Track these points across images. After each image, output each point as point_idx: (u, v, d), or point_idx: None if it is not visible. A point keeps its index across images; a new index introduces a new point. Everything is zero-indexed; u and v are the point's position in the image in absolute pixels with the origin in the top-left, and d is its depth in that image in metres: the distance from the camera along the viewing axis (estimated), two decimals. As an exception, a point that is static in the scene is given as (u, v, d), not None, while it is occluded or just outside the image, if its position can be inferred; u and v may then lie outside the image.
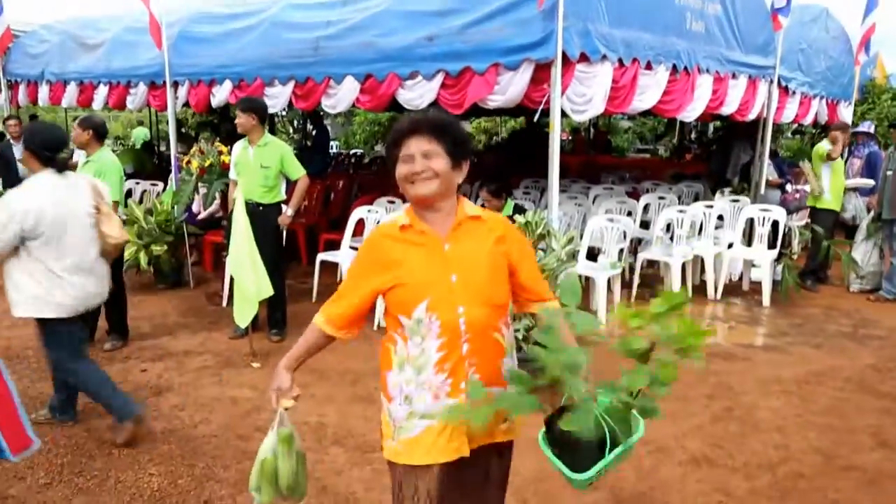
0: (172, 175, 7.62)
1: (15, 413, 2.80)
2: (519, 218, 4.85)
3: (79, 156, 7.89)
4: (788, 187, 8.32)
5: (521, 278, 2.17)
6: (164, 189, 8.73)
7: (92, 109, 8.33)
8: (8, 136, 8.52)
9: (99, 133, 5.26)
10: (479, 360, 2.08)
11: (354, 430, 4.11)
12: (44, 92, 8.59)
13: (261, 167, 5.42)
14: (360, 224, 6.93)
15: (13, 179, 8.07)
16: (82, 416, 4.29)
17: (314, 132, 13.11)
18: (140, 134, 15.71)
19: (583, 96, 5.21)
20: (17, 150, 8.15)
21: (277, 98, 6.42)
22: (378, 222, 6.63)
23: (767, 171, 8.27)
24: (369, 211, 6.99)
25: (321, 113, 12.32)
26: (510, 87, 5.16)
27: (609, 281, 6.33)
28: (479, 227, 2.12)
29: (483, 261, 2.08)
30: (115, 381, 4.14)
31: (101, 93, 7.97)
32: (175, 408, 4.42)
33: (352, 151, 19.49)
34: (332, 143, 15.44)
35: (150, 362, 5.24)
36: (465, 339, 2.05)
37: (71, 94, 8.27)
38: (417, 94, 5.55)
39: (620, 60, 5.45)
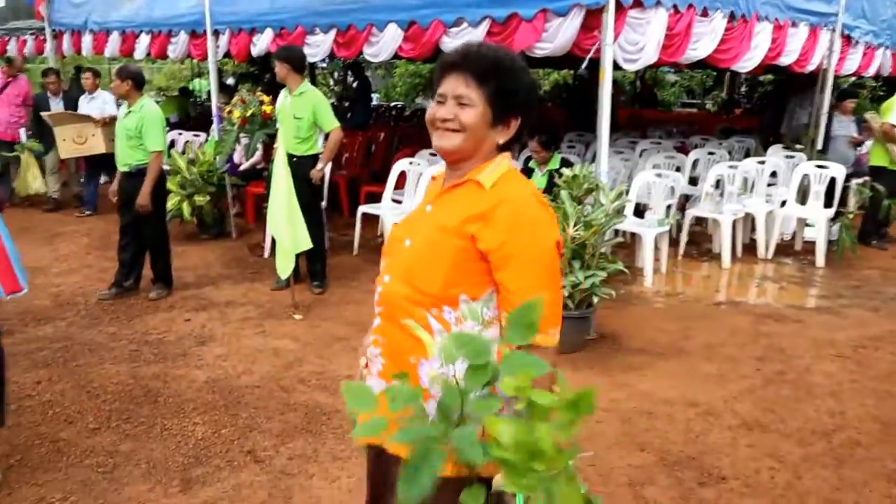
0: (214, 125, 7.58)
1: (7, 260, 3.28)
2: (566, 171, 4.69)
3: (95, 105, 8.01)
4: (865, 146, 7.92)
5: (498, 276, 1.63)
6: (205, 140, 8.71)
7: (134, 59, 8.30)
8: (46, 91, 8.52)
9: (137, 82, 5.22)
10: (386, 344, 1.74)
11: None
12: (87, 41, 8.57)
13: (294, 118, 5.33)
14: (402, 176, 6.83)
15: (47, 135, 8.19)
16: (129, 364, 4.33)
17: (355, 83, 12.97)
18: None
19: (635, 44, 4.98)
20: (55, 104, 8.33)
21: (318, 47, 6.28)
22: (420, 175, 6.52)
23: (849, 129, 7.89)
24: (411, 163, 6.88)
25: (362, 64, 12.19)
26: (559, 35, 4.95)
27: (656, 239, 6.16)
28: (474, 195, 1.66)
29: (434, 233, 1.68)
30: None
31: (143, 42, 7.92)
32: (219, 358, 4.44)
33: (392, 104, 19.28)
34: (372, 95, 15.24)
35: (194, 312, 5.26)
36: (378, 314, 1.77)
37: (113, 44, 8.24)
38: (462, 42, 5.37)
39: (675, 6, 5.18)
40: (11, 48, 9.70)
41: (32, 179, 8.45)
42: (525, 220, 1.61)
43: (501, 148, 1.70)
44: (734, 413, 3.82)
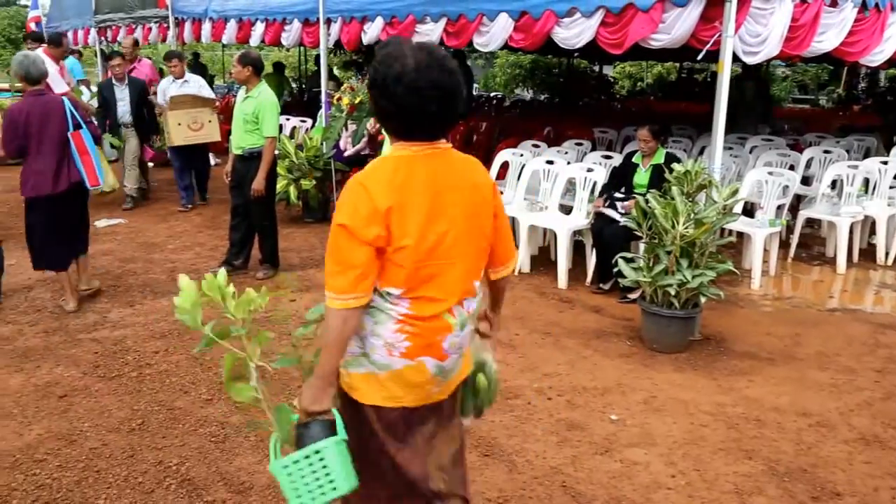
0: (322, 111, 7.77)
1: (92, 163, 4.93)
2: (678, 167, 4.56)
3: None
4: None
5: None
6: (312, 125, 8.94)
7: (249, 46, 8.60)
8: (111, 76, 7.97)
9: (257, 68, 5.41)
10: None
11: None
12: (206, 29, 8.97)
13: None
14: (504, 167, 6.81)
15: (113, 120, 7.90)
16: (238, 339, 4.50)
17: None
18: None
19: (757, 36, 4.76)
20: (119, 91, 7.87)
21: (429, 35, 6.33)
22: (523, 166, 6.49)
23: None
24: (513, 154, 6.85)
25: (463, 53, 12.20)
26: (676, 26, 4.80)
27: (766, 240, 5.91)
28: None
29: None
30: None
31: (258, 30, 8.20)
32: (322, 338, 4.56)
33: (492, 94, 19.26)
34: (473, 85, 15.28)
35: (298, 293, 5.43)
36: None
37: (231, 31, 8.58)
38: (575, 33, 5.29)
39: (802, -4, 4.94)
40: (138, 35, 10.23)
41: (106, 174, 7.68)
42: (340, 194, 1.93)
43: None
44: (850, 426, 3.63)
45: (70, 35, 11.79)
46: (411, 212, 1.83)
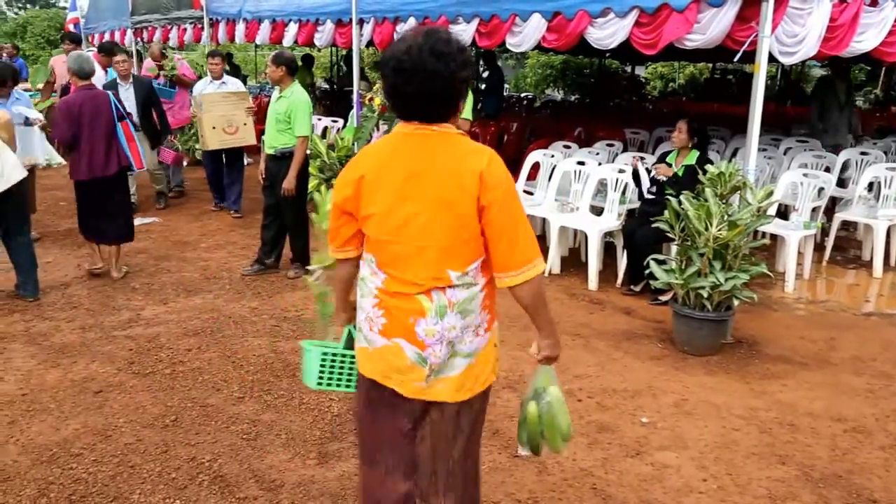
0: (354, 111, 7.82)
1: (137, 148, 5.72)
2: (711, 168, 4.51)
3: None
4: None
5: None
6: (343, 125, 9.00)
7: (282, 46, 8.67)
8: (116, 76, 7.41)
9: (290, 69, 5.45)
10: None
11: (526, 376, 4.07)
12: (240, 30, 9.08)
13: None
14: (535, 167, 6.79)
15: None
16: (269, 338, 4.56)
17: (486, 73, 13.00)
18: None
19: (794, 36, 4.69)
20: (123, 91, 7.18)
21: (461, 36, 6.31)
22: (554, 167, 6.46)
23: None
24: (544, 154, 6.83)
25: (495, 53, 12.20)
26: (712, 26, 4.74)
27: (800, 242, 5.82)
28: None
29: None
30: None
31: (291, 30, 8.28)
32: (352, 337, 4.58)
33: (522, 94, 19.22)
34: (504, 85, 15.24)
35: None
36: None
37: (264, 32, 8.67)
38: (608, 33, 5.25)
39: (841, -4, 4.85)
40: (173, 36, 10.39)
41: None
42: None
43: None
44: (887, 433, 3.56)
45: (107, 36, 12.02)
46: (382, 184, 1.95)
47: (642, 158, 5.65)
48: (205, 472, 3.10)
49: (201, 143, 7.56)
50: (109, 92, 5.75)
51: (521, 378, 4.03)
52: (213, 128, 7.23)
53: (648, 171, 5.54)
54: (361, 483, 2.29)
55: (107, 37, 12.00)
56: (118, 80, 7.32)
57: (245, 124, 7.42)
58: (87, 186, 5.43)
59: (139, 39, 11.59)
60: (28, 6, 41.38)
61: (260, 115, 8.14)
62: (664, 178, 5.33)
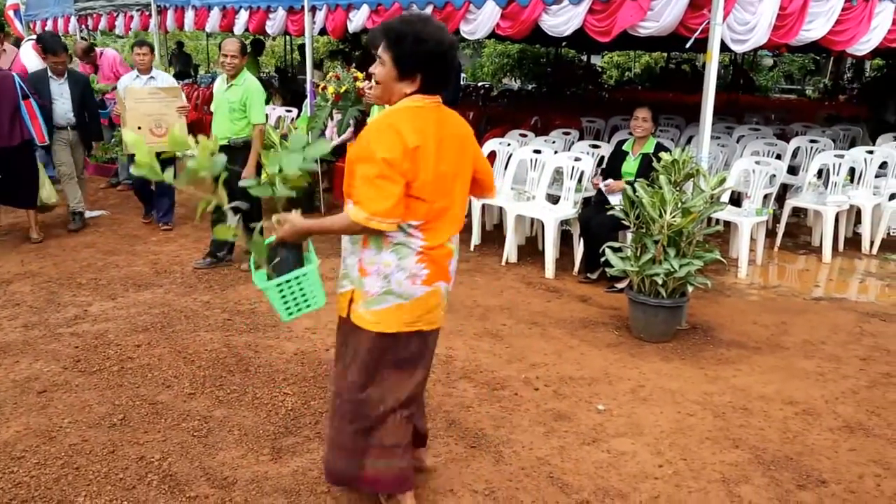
0: (307, 101, 7.69)
1: (39, 125, 6.17)
2: (665, 156, 4.53)
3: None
4: None
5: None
6: (297, 115, 8.86)
7: (233, 34, 8.48)
8: (46, 68, 6.69)
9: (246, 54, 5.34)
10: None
11: (483, 365, 4.05)
12: (189, 17, 8.85)
13: None
14: (492, 156, 6.77)
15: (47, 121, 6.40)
16: (222, 332, 4.46)
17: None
18: None
19: (745, 24, 4.74)
20: (57, 86, 6.57)
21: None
22: (510, 155, 6.45)
23: None
24: (500, 143, 6.81)
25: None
26: (665, 13, 4.76)
27: (752, 229, 5.91)
28: None
29: None
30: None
31: (242, 18, 8.10)
32: (307, 330, 4.52)
33: (479, 84, 19.19)
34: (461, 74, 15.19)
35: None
36: None
37: (214, 19, 8.47)
38: (562, 21, 5.24)
39: (790, -16, 4.91)
40: (119, 23, 10.09)
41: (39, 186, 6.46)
42: (365, 134, 2.33)
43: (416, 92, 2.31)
44: (836, 414, 3.63)
45: (49, 23, 11.63)
46: (427, 152, 2.26)
47: (604, 176, 5.61)
48: (154, 471, 3.01)
49: (124, 147, 6.64)
50: (14, 74, 6.23)
51: (478, 368, 4.01)
52: (139, 128, 6.31)
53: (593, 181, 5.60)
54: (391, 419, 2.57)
55: (49, 25, 11.59)
56: (50, 75, 6.55)
57: (177, 126, 6.23)
58: None
59: (83, 27, 11.23)
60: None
61: (206, 104, 7.82)
62: (618, 192, 5.29)
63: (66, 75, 6.64)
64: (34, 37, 8.64)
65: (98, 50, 9.16)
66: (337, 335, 2.66)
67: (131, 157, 6.39)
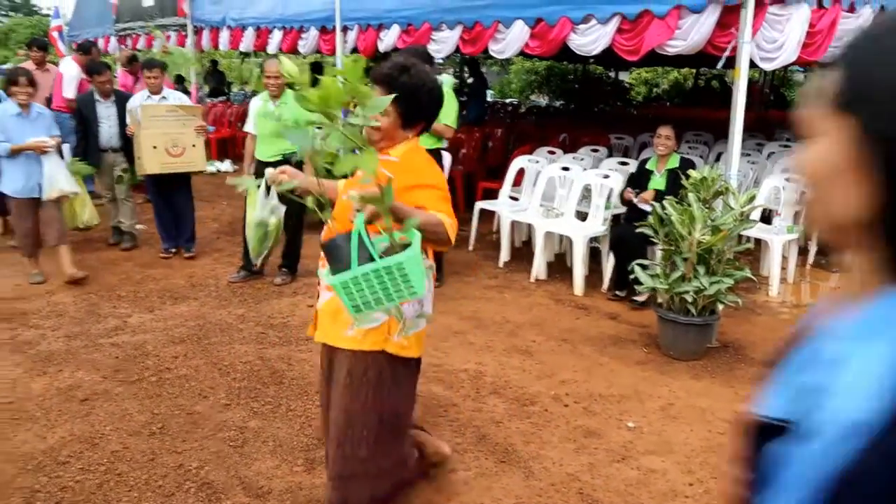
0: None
1: None
2: (694, 173, 4.56)
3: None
4: None
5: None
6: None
7: (267, 54, 8.67)
8: (92, 89, 6.61)
9: None
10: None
11: (512, 381, 4.09)
12: (224, 37, 9.07)
13: None
14: (520, 173, 6.83)
15: (93, 143, 6.54)
16: (256, 345, 4.56)
17: (470, 79, 13.05)
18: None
19: (773, 42, 4.76)
20: (104, 109, 6.51)
21: (444, 43, 6.37)
22: (539, 172, 6.50)
23: None
24: (529, 160, 6.87)
25: (478, 60, 12.26)
26: (692, 32, 4.80)
27: (784, 246, 5.89)
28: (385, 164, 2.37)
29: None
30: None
31: (276, 37, 8.28)
32: (339, 344, 4.58)
33: (506, 101, 19.29)
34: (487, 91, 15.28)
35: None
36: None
37: (248, 39, 8.67)
38: (591, 40, 5.31)
39: (819, 1, 4.93)
40: (156, 43, 10.36)
41: (81, 208, 6.31)
42: (410, 166, 2.37)
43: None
44: (869, 434, 3.60)
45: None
46: None
47: (636, 192, 5.61)
48: (192, 479, 3.10)
49: (138, 167, 6.30)
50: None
51: (507, 384, 4.05)
52: (154, 147, 6.01)
53: (625, 195, 5.60)
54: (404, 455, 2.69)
55: (90, 44, 11.93)
56: (97, 97, 6.49)
57: (194, 146, 6.16)
58: None
59: (123, 46, 11.54)
60: (12, 14, 41.12)
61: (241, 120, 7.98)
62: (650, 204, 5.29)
63: (112, 96, 6.58)
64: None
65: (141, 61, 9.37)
66: (338, 395, 2.52)
67: (148, 181, 6.34)
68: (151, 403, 3.77)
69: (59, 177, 5.58)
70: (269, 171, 2.47)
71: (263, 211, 2.89)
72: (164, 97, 6.24)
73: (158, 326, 4.85)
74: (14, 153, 5.40)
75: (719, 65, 5.01)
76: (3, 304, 5.20)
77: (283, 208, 2.95)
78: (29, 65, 8.34)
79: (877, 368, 0.64)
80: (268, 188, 2.70)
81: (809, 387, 0.72)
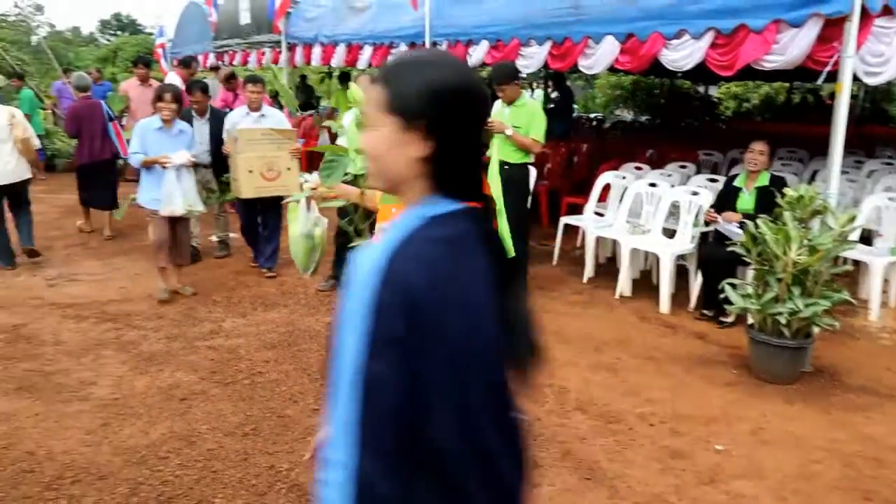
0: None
1: (123, 141, 7.87)
2: (790, 192, 4.42)
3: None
4: None
5: None
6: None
7: (357, 69, 8.89)
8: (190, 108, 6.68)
9: None
10: None
11: (597, 398, 4.05)
12: (317, 53, 9.35)
13: (513, 127, 5.48)
14: (606, 189, 6.77)
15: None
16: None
17: (555, 94, 13.01)
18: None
19: (879, 56, 4.57)
20: (199, 125, 6.58)
21: (532, 58, 6.39)
22: (625, 188, 6.43)
23: None
24: (615, 176, 6.80)
25: (564, 74, 12.21)
26: (791, 47, 4.66)
27: (885, 269, 5.61)
28: None
29: None
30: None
31: (366, 53, 8.48)
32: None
33: (591, 115, 19.13)
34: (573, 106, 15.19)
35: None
36: None
37: (340, 55, 8.91)
38: (683, 55, 5.22)
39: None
40: (252, 59, 10.79)
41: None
42: None
43: None
44: (981, 470, 3.40)
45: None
46: None
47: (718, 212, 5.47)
48: (283, 480, 3.21)
49: (234, 189, 6.32)
50: (102, 101, 8.22)
51: (592, 400, 4.02)
52: (250, 171, 6.00)
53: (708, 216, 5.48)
54: None
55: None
56: (194, 115, 6.59)
57: (289, 169, 6.09)
58: (87, 167, 7.76)
59: (221, 63, 12.07)
60: (119, 33, 43.66)
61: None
62: (737, 224, 5.16)
63: (207, 113, 6.72)
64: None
65: (240, 79, 9.69)
66: None
67: (238, 201, 6.38)
68: (245, 405, 3.92)
69: (175, 195, 5.58)
70: (307, 184, 2.57)
71: (307, 224, 3.00)
72: (262, 115, 6.26)
73: (251, 331, 5.04)
74: (146, 165, 5.58)
75: (820, 80, 4.84)
76: (111, 306, 5.51)
77: (325, 220, 3.08)
78: (134, 81, 8.87)
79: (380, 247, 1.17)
80: (308, 202, 2.82)
81: None
